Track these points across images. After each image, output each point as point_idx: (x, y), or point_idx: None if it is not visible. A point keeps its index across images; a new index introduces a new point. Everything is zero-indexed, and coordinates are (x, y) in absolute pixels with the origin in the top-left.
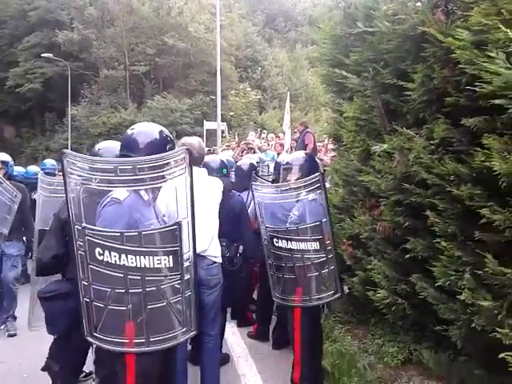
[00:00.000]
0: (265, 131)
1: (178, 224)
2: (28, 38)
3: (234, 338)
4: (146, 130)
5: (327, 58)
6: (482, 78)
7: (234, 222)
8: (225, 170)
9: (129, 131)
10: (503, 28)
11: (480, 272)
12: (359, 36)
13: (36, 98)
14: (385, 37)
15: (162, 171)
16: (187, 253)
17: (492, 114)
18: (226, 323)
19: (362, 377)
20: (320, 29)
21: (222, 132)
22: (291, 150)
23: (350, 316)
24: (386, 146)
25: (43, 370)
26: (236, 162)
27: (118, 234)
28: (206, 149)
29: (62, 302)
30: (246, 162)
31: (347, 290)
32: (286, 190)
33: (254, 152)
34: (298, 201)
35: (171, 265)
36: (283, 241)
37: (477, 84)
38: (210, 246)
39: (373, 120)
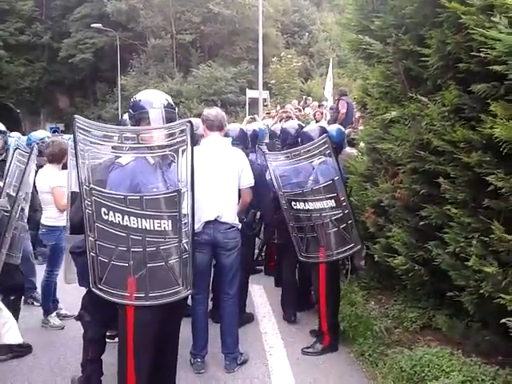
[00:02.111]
0: (309, 98)
1: (178, 191)
2: (79, 9)
3: (261, 299)
4: (150, 98)
5: (353, 24)
6: (487, 43)
7: (252, 188)
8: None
9: (133, 99)
10: None
11: (486, 239)
12: (383, 1)
13: (88, 68)
14: (405, 1)
15: (165, 141)
16: (186, 218)
17: (501, 80)
18: (255, 286)
19: (377, 339)
20: None
21: (265, 100)
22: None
23: (375, 282)
24: (394, 113)
25: (76, 319)
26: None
27: (122, 197)
28: (249, 116)
29: None
30: (278, 126)
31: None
32: (295, 155)
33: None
34: (313, 167)
35: (170, 228)
36: (301, 203)
37: (482, 50)
38: (226, 212)
39: (394, 86)
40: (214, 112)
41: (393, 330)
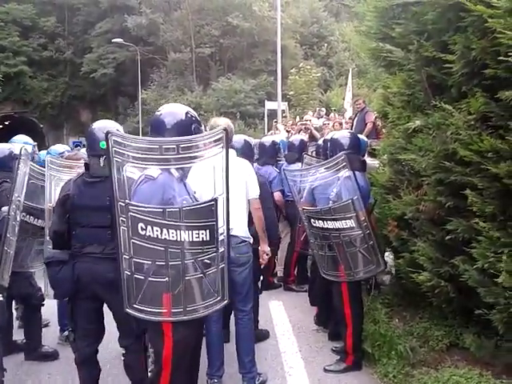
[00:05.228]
0: (323, 109)
1: (215, 200)
2: (100, 24)
3: (280, 316)
4: (172, 112)
5: (373, 32)
6: None
7: None
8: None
9: (157, 113)
10: None
11: None
12: (404, 7)
13: (109, 82)
14: (427, 7)
15: (203, 149)
16: (222, 227)
17: None
18: (274, 302)
19: (402, 359)
20: (365, 1)
21: (283, 112)
22: (351, 129)
23: (399, 299)
24: (418, 122)
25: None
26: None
27: (161, 210)
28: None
29: (56, 269)
30: (297, 137)
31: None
32: (313, 171)
33: (311, 132)
34: (338, 179)
35: (208, 238)
36: (320, 221)
37: (510, 54)
38: (237, 224)
39: (417, 95)
40: (222, 123)
41: (418, 349)
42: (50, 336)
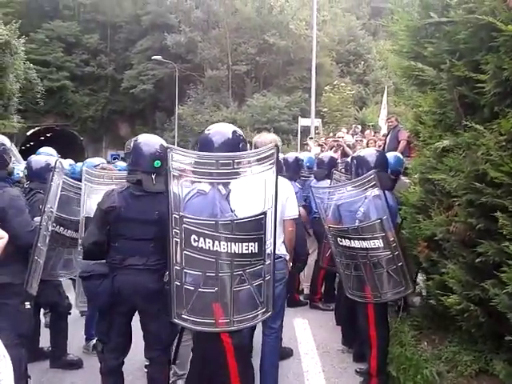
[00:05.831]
0: (358, 126)
1: (264, 213)
2: (141, 42)
3: (305, 334)
4: (220, 131)
5: (405, 50)
6: None
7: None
8: None
9: (205, 131)
10: None
11: None
12: (436, 26)
13: (148, 98)
14: (460, 27)
15: (258, 165)
16: (269, 240)
17: None
18: (299, 320)
19: (428, 383)
20: (397, 20)
21: (316, 128)
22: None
23: (428, 321)
24: (446, 142)
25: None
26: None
27: (213, 222)
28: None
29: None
30: (327, 154)
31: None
32: (340, 189)
33: (343, 149)
34: (365, 197)
35: (256, 251)
36: (346, 240)
37: None
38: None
39: (448, 114)
40: (270, 139)
41: (445, 374)
42: (76, 345)
